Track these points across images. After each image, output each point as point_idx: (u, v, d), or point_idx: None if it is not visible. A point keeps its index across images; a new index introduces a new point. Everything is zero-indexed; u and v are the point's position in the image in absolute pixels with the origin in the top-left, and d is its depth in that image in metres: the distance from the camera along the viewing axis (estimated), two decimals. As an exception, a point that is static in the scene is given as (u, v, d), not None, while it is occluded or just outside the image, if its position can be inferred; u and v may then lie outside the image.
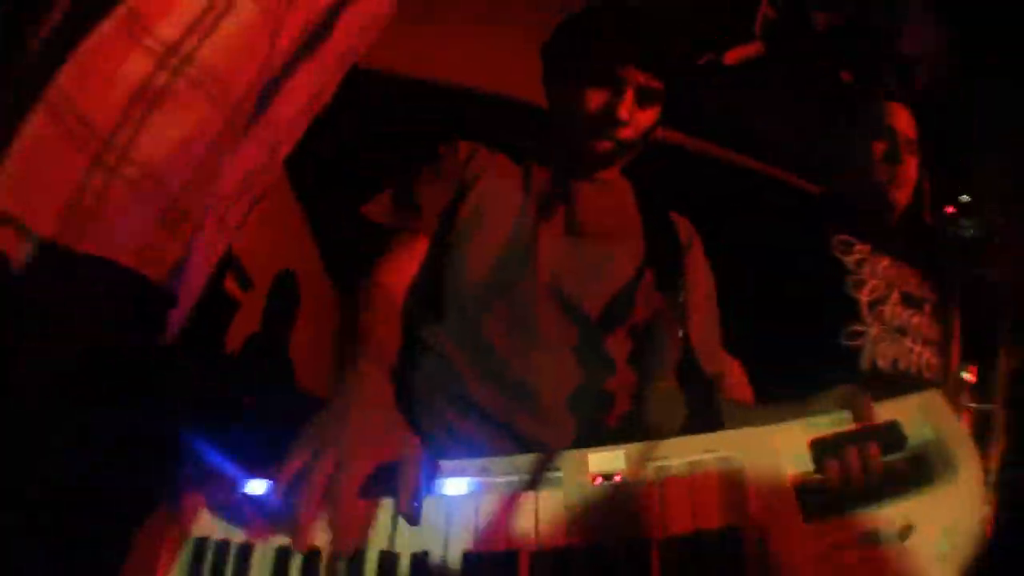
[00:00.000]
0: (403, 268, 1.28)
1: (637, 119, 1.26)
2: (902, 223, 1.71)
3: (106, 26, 0.84)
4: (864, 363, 1.52)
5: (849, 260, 1.61)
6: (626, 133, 1.26)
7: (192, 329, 1.12)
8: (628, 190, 1.43)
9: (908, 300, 1.59)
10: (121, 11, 0.85)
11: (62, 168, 0.84)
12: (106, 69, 0.85)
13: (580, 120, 1.27)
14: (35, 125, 0.82)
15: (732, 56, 2.58)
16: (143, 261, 0.91)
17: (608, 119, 1.24)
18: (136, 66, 0.86)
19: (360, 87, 1.18)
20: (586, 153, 1.30)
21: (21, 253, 0.82)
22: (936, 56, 2.37)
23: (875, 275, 1.60)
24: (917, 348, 1.55)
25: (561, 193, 1.33)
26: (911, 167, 1.68)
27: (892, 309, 1.57)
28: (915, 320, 1.56)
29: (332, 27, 1.03)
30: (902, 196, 1.67)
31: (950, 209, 1.68)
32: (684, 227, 1.41)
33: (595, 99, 1.25)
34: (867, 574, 0.83)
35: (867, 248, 1.62)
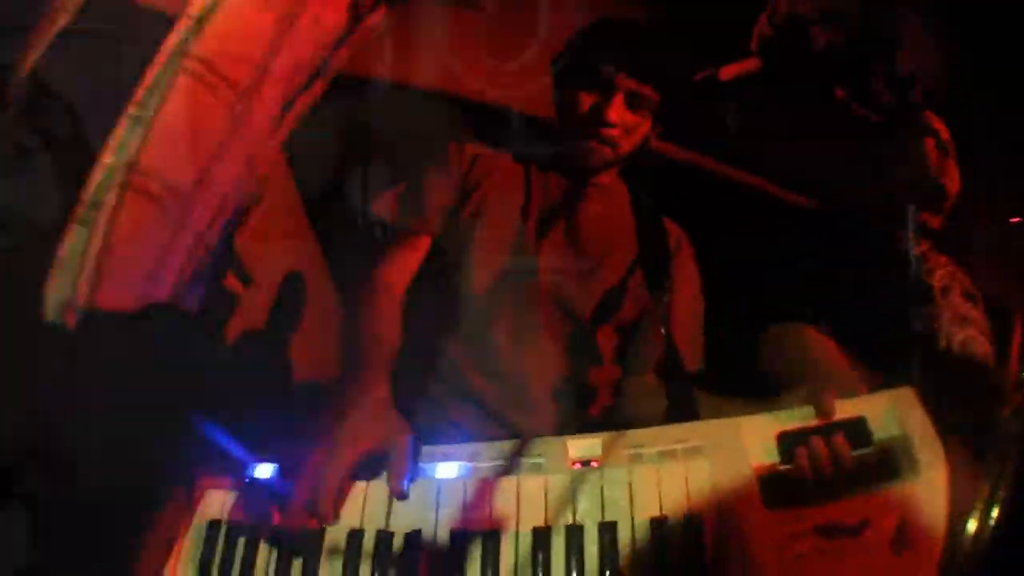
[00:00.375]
0: (405, 267, 1.35)
1: (628, 123, 1.33)
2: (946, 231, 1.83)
3: (180, 82, 0.88)
4: (940, 343, 1.61)
5: (920, 251, 1.73)
6: (617, 135, 1.33)
7: (196, 322, 1.18)
8: (624, 193, 1.49)
9: (966, 294, 1.69)
10: (190, 63, 0.88)
11: (151, 245, 0.88)
12: (189, 130, 0.89)
13: (575, 123, 1.34)
14: (129, 212, 0.85)
15: (728, 72, 2.62)
16: (176, 296, 0.97)
17: (597, 120, 1.31)
18: (213, 114, 0.91)
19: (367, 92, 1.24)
20: (583, 157, 1.37)
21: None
22: (933, 74, 2.42)
23: (940, 266, 1.72)
24: (980, 337, 1.64)
25: (561, 198, 1.40)
26: (952, 161, 1.82)
27: (957, 298, 1.67)
28: (974, 313, 1.66)
29: (331, 63, 1.09)
30: (952, 186, 1.80)
31: (1015, 220, 1.80)
32: (674, 232, 1.47)
33: (586, 101, 1.32)
34: (823, 564, 0.88)
35: (929, 243, 1.75)
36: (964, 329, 1.62)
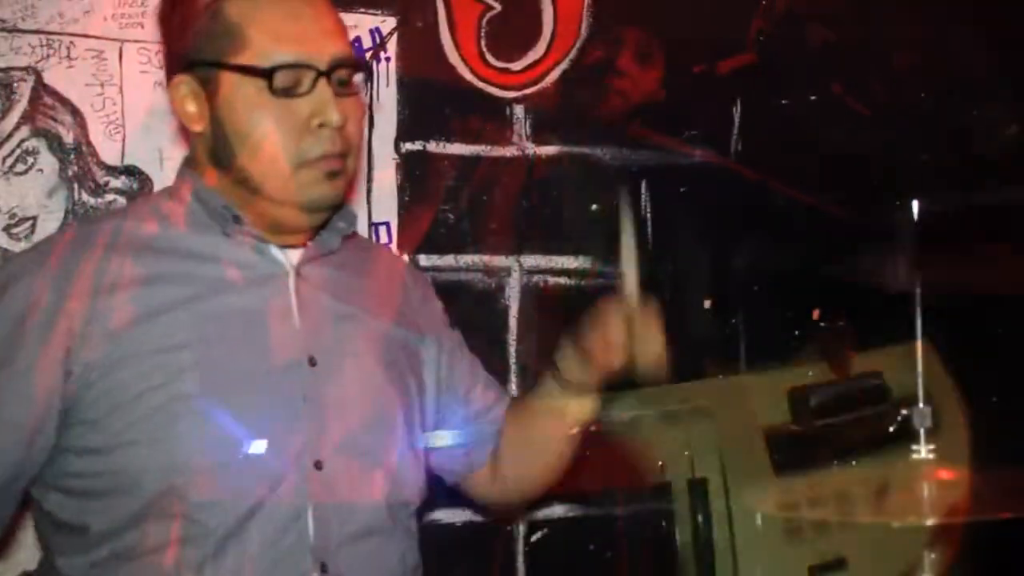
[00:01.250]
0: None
1: (636, 76, 1.36)
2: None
3: None
4: None
5: None
6: (626, 87, 1.35)
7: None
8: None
9: None
10: None
11: None
12: None
13: (584, 74, 1.38)
14: None
15: (725, 66, 2.61)
16: None
17: (605, 70, 1.34)
18: None
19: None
20: (597, 112, 1.40)
21: None
22: (926, 70, 2.41)
23: None
24: None
25: None
26: None
27: None
28: None
29: None
30: None
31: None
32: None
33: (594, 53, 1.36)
34: (842, 529, 0.83)
35: None
36: None
